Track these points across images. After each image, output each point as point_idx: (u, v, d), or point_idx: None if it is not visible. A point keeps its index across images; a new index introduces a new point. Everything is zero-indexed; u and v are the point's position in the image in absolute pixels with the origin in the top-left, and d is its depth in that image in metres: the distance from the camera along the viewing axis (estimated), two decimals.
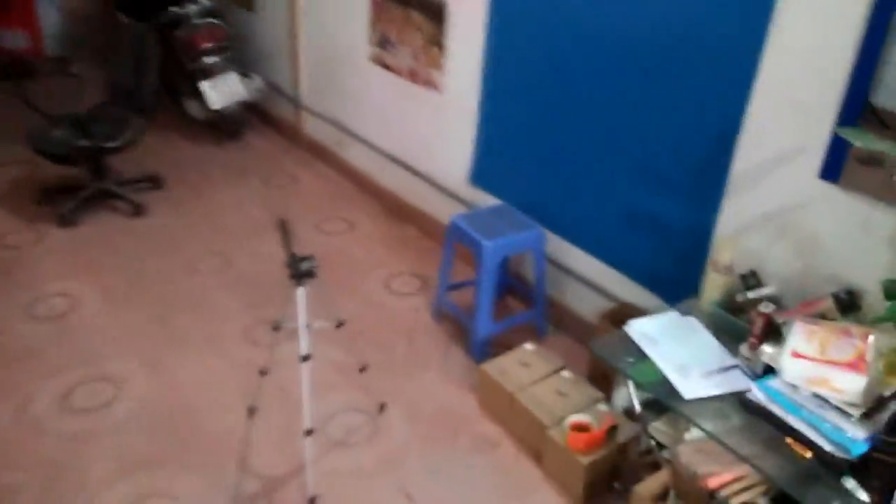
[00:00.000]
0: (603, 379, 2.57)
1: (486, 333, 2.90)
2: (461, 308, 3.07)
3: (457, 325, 3.14)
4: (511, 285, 3.31)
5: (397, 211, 4.05)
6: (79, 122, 3.72)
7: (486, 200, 3.34)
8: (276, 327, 2.40)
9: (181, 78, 4.66)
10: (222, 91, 4.53)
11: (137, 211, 3.93)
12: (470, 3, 3.13)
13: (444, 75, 3.43)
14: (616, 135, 2.67)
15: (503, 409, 2.58)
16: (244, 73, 4.75)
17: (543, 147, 2.99)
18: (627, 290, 2.78)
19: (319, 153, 4.67)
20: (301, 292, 2.22)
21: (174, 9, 4.49)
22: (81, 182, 3.94)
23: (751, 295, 2.18)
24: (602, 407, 2.44)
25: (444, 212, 3.62)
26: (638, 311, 2.63)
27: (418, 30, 3.48)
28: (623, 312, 2.61)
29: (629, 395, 2.15)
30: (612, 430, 2.29)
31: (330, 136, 4.53)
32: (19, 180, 4.23)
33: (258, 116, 5.16)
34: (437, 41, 3.40)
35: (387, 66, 3.79)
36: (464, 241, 2.90)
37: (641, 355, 2.03)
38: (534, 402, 2.47)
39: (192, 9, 4.51)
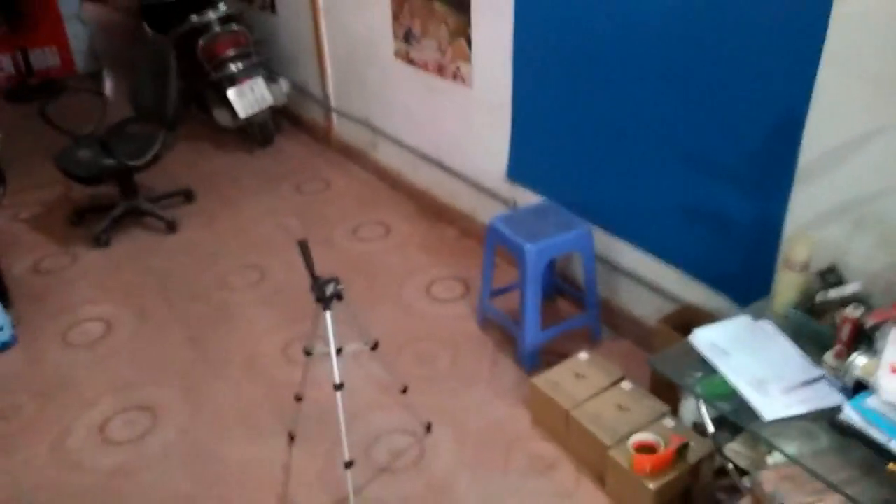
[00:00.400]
0: (668, 389, 2.34)
1: (535, 342, 2.71)
2: (507, 314, 2.88)
3: (504, 332, 2.95)
4: (560, 287, 3.10)
5: (434, 211, 3.87)
6: (103, 141, 3.65)
7: (528, 196, 3.14)
8: (308, 353, 2.25)
9: (207, 87, 4.57)
10: (249, 98, 4.42)
11: (170, 227, 3.85)
12: None
13: (473, 68, 3.21)
14: (667, 119, 2.42)
15: (558, 426, 2.38)
16: (271, 78, 4.62)
17: (586, 137, 2.76)
18: (689, 289, 2.54)
19: (351, 155, 4.52)
20: (328, 317, 2.07)
21: (194, 18, 4.38)
22: (113, 200, 3.88)
23: (832, 294, 1.93)
24: (668, 422, 2.21)
25: (483, 210, 3.44)
26: (702, 314, 2.41)
27: (443, 21, 3.27)
28: (685, 316, 2.39)
29: (699, 408, 1.93)
30: (682, 449, 2.08)
31: (361, 137, 4.38)
32: (53, 201, 4.20)
33: (288, 120, 5.04)
34: (463, 32, 3.19)
35: (413, 62, 3.60)
36: (505, 245, 2.70)
37: (710, 368, 1.81)
38: (592, 419, 2.26)
39: (211, 16, 4.40)
